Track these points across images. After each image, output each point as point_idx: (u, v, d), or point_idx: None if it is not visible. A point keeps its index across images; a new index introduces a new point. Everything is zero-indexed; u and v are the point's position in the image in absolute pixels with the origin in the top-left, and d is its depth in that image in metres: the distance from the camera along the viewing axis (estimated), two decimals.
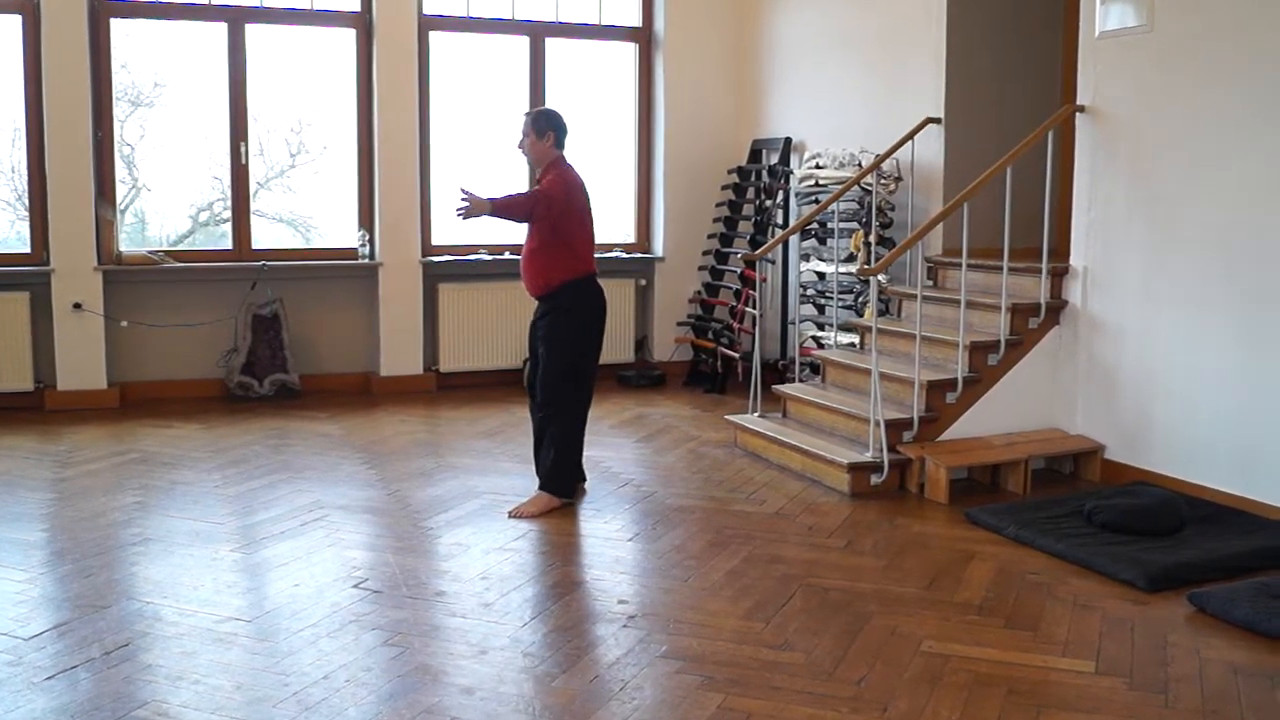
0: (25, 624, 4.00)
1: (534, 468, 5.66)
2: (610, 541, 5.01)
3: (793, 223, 8.20)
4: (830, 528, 5.22)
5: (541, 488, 5.50)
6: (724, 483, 5.97)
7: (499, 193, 5.42)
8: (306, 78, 8.17)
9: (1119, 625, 4.10)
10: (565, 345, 5.45)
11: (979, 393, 5.96)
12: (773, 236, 8.25)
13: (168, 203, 8.19)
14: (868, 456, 5.72)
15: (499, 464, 6.35)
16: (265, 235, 8.22)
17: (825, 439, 6.10)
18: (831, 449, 5.89)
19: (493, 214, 5.33)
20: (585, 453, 5.73)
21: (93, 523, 5.15)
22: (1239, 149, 5.23)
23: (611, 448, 6.72)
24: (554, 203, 5.38)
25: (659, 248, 8.96)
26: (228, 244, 8.04)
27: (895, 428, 5.81)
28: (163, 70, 7.93)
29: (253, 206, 8.07)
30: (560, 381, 5.46)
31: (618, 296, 8.76)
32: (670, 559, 4.77)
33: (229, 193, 8.01)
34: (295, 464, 6.24)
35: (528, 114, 5.69)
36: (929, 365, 6.05)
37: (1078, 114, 5.96)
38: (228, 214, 8.06)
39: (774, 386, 6.83)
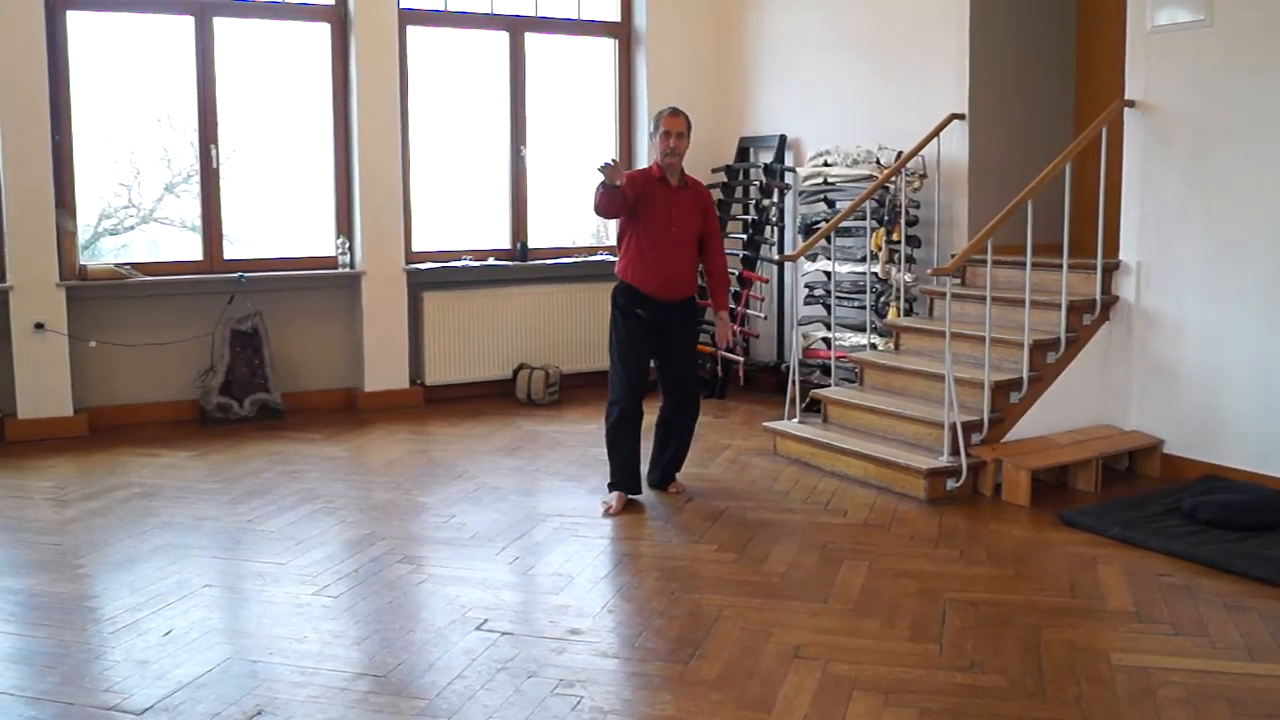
0: (129, 695, 3.52)
1: (647, 474, 5.74)
2: (717, 564, 4.73)
3: (792, 222, 8.05)
4: (931, 536, 5.06)
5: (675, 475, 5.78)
6: (790, 494, 5.75)
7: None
8: (277, 75, 7.63)
9: None
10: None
11: (1038, 392, 5.88)
12: (774, 236, 8.08)
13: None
14: (943, 461, 5.58)
15: (541, 482, 6.01)
16: (180, 245, 7.59)
17: (885, 444, 5.93)
18: (901, 454, 5.73)
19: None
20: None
21: (135, 569, 4.62)
22: None
23: (644, 460, 6.42)
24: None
25: None
26: (198, 254, 7.43)
27: (962, 430, 5.68)
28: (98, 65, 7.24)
29: (158, 213, 7.49)
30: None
31: (603, 302, 8.32)
32: (794, 580, 4.52)
33: (182, 197, 7.42)
34: (321, 492, 5.77)
35: (680, 112, 5.45)
36: (975, 364, 5.93)
37: (1126, 109, 5.93)
38: (132, 222, 7.44)
39: (813, 391, 6.63)
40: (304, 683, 3.61)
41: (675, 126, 5.35)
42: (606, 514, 5.38)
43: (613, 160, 5.13)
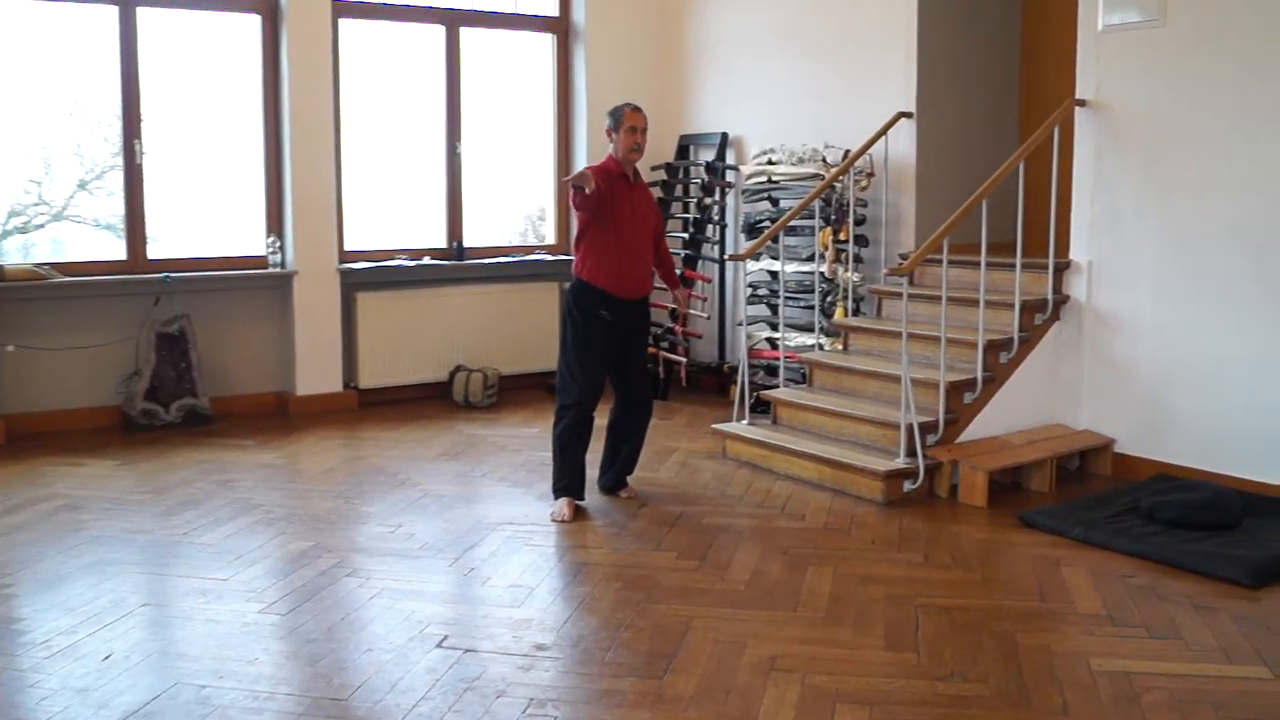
0: None
1: (596, 476, 5.64)
2: (680, 572, 4.60)
3: (734, 220, 7.95)
4: (892, 539, 4.99)
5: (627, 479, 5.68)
6: (744, 497, 5.64)
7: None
8: (205, 67, 7.33)
9: (1253, 625, 4.02)
10: None
11: (992, 392, 5.84)
12: (715, 235, 7.98)
13: None
14: (900, 463, 5.51)
15: (488, 488, 5.83)
16: (92, 244, 7.26)
17: (838, 446, 5.85)
18: (856, 456, 5.65)
19: None
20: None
21: (67, 588, 4.35)
22: (1257, 141, 5.29)
23: (591, 465, 6.26)
24: None
25: None
26: (121, 253, 7.10)
27: (919, 431, 5.62)
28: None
29: (69, 211, 7.18)
30: None
31: (540, 301, 8.32)
32: (760, 588, 4.41)
33: (124, 195, 7.08)
34: (258, 502, 5.52)
35: (640, 108, 5.39)
36: (927, 364, 5.87)
37: (1077, 108, 5.92)
38: (43, 220, 7.10)
39: (763, 392, 6.53)
40: (259, 709, 3.41)
41: (640, 122, 5.28)
42: (559, 522, 5.22)
43: (579, 174, 5.04)
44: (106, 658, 3.73)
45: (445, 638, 3.92)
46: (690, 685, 3.56)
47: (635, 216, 5.33)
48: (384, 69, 7.91)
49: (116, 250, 7.13)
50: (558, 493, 5.39)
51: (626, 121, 5.23)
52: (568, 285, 5.50)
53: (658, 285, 5.92)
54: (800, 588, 4.40)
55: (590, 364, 5.31)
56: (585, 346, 5.29)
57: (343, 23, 7.56)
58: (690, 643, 3.89)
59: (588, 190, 5.00)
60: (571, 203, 5.20)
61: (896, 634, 3.96)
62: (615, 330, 5.31)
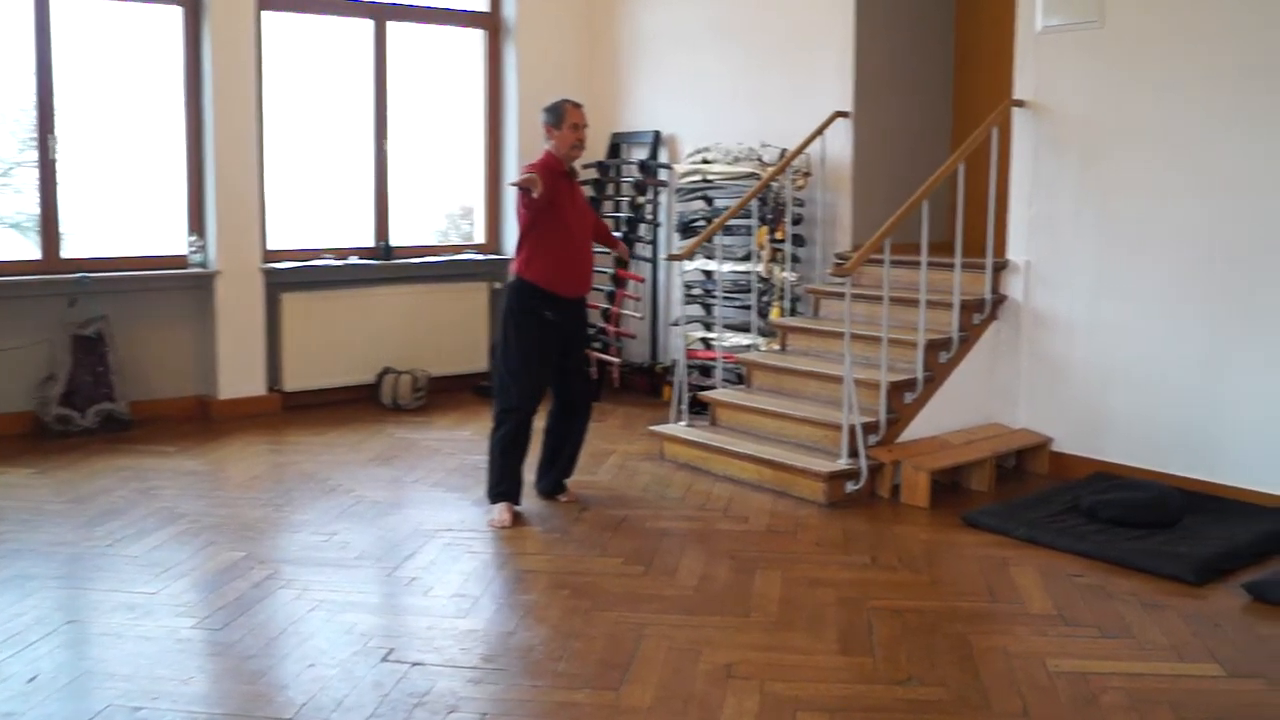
0: None
1: (533, 480, 5.53)
2: (627, 578, 4.51)
3: (668, 219, 7.88)
4: (837, 541, 4.95)
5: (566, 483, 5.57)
6: (685, 500, 5.57)
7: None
8: (123, 60, 7.06)
9: (1201, 622, 4.05)
10: None
11: (931, 392, 5.84)
12: (649, 235, 7.90)
13: None
14: (843, 464, 5.48)
15: (423, 494, 5.68)
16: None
17: (778, 447, 5.81)
18: (797, 457, 5.61)
19: None
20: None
21: None
22: (1194, 142, 5.35)
23: (528, 468, 6.15)
24: None
25: (511, 249, 8.37)
26: (34, 253, 6.81)
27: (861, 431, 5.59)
28: None
29: None
30: None
31: (469, 301, 8.17)
32: (709, 593, 4.33)
33: (37, 193, 6.78)
34: (184, 511, 5.31)
35: (580, 104, 5.30)
36: (866, 364, 5.85)
37: (1016, 109, 5.95)
38: None
39: (701, 393, 6.46)
40: None
41: (583, 119, 5.21)
42: (498, 528, 5.10)
43: (527, 177, 4.93)
44: (32, 679, 3.52)
45: (390, 651, 3.79)
46: (647, 696, 3.47)
47: (578, 214, 5.25)
48: (310, 63, 7.70)
49: (28, 249, 6.83)
50: (495, 498, 5.26)
51: (569, 118, 5.13)
52: (506, 285, 5.36)
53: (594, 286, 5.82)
54: (750, 592, 4.34)
55: (535, 366, 5.20)
56: (528, 348, 5.17)
57: (267, 15, 7.32)
58: (644, 651, 3.80)
59: (535, 193, 4.89)
60: (519, 204, 5.07)
61: (851, 638, 3.91)
62: (557, 330, 5.21)
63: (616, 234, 7.99)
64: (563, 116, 5.15)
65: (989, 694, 3.50)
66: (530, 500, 5.45)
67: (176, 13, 7.05)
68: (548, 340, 5.20)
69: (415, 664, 3.68)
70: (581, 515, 5.32)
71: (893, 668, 3.69)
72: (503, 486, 5.25)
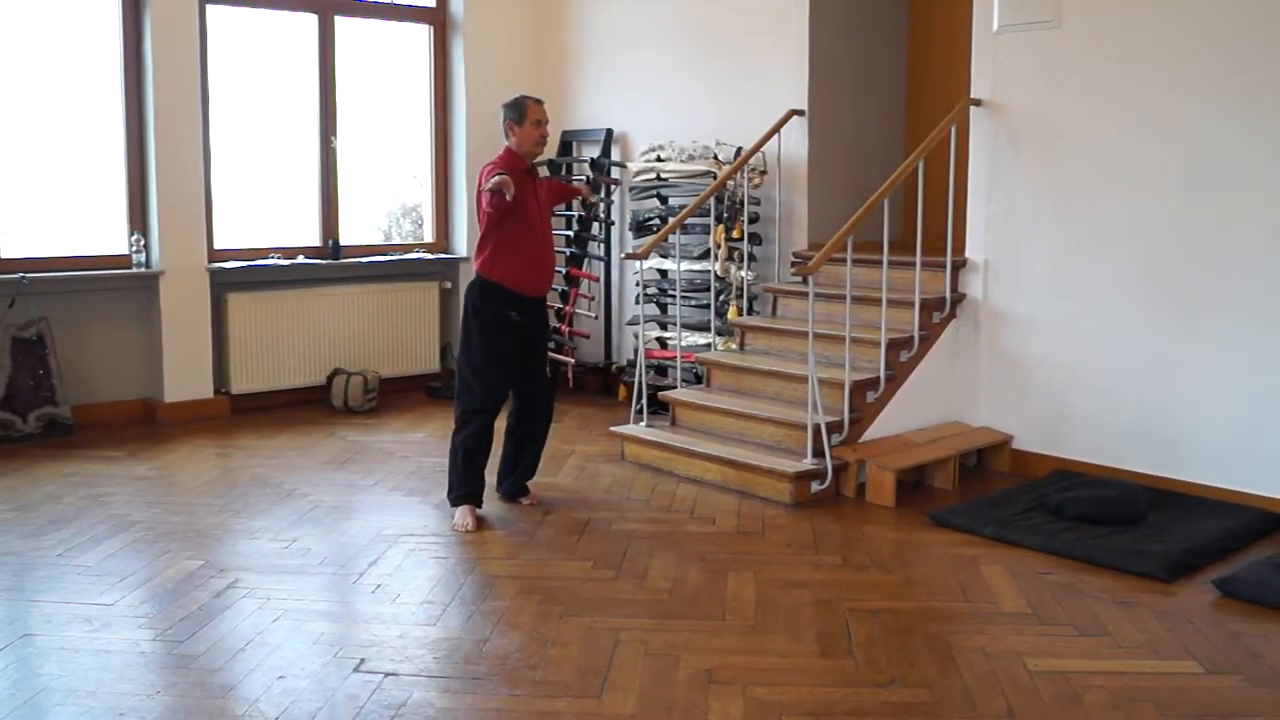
0: None
1: (494, 483, 5.47)
2: (598, 582, 4.44)
3: (621, 218, 7.82)
4: (807, 542, 4.92)
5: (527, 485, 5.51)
6: (650, 502, 5.51)
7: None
8: (62, 54, 6.83)
9: (1174, 619, 4.07)
10: None
11: (893, 391, 5.84)
12: (601, 234, 7.83)
13: None
14: (808, 464, 5.45)
15: (382, 498, 5.57)
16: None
17: (742, 447, 5.77)
18: (761, 458, 5.57)
19: None
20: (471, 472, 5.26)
21: None
22: (1151, 141, 5.40)
23: (489, 470, 6.05)
24: None
25: (461, 247, 8.28)
26: None
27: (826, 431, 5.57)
28: None
29: None
30: None
31: (420, 301, 8.06)
32: (683, 596, 4.28)
33: None
34: (136, 518, 5.15)
35: (541, 100, 5.22)
36: (828, 363, 5.83)
37: (973, 108, 5.96)
38: None
39: (662, 393, 6.40)
40: None
41: (546, 115, 5.14)
42: (462, 532, 5.00)
43: (500, 180, 4.80)
44: None
45: (362, 661, 3.69)
46: (629, 703, 3.41)
47: (541, 211, 5.18)
48: (255, 59, 7.52)
49: None
50: (457, 501, 5.17)
51: (532, 114, 5.05)
52: (469, 285, 5.25)
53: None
54: (724, 595, 4.29)
55: (500, 368, 5.12)
56: (492, 349, 5.08)
57: (210, 9, 7.14)
58: (622, 657, 3.73)
59: (509, 196, 4.80)
60: (488, 205, 4.92)
61: (830, 640, 3.88)
62: (521, 330, 5.13)
63: (568, 232, 7.94)
64: (525, 113, 5.07)
65: (973, 695, 3.48)
66: (492, 503, 5.37)
67: (116, 5, 6.83)
68: (512, 341, 5.11)
69: (389, 674, 3.58)
70: (545, 518, 5.24)
71: (874, 670, 3.66)
72: (465, 489, 5.16)
